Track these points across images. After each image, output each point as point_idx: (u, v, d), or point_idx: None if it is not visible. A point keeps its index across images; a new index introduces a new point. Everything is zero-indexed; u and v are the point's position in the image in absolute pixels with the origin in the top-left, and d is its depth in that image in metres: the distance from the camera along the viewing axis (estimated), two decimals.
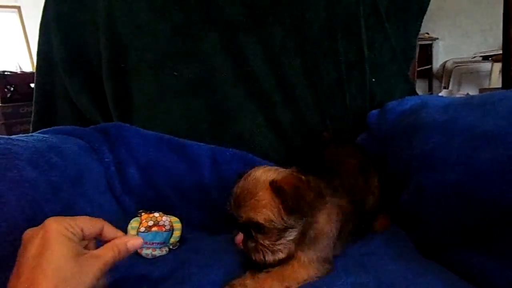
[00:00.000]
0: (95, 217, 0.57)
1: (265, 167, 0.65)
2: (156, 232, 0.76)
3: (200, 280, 0.61)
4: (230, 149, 0.97)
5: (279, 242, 0.60)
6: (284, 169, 0.64)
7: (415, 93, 1.14)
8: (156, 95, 1.05)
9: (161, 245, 0.76)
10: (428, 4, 1.21)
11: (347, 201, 0.69)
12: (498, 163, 0.53)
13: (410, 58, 1.24)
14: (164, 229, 0.77)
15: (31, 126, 1.16)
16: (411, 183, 0.71)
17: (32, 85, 3.26)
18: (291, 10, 1.03)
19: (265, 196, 0.58)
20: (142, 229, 0.75)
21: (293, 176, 0.60)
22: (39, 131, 0.95)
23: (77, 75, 1.09)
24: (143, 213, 0.78)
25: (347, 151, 0.85)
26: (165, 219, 0.78)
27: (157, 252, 0.75)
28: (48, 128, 0.97)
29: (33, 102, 1.17)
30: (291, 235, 0.61)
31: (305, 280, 0.59)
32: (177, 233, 0.79)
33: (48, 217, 0.66)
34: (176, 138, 0.99)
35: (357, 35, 1.07)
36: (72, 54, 1.09)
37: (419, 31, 1.25)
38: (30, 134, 0.93)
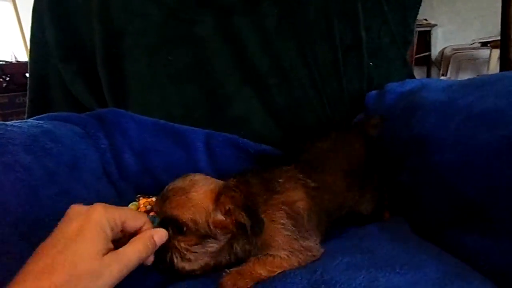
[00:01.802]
0: (138, 213, 0.59)
1: (199, 174, 0.63)
2: (154, 216, 0.75)
3: None
4: (223, 134, 0.96)
5: (194, 249, 0.57)
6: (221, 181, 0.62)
7: (413, 77, 1.14)
8: (151, 80, 1.04)
9: None
10: None
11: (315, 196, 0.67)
12: (495, 142, 0.52)
13: (409, 42, 1.23)
14: None
15: (25, 113, 1.15)
16: (409, 164, 0.71)
17: (28, 74, 3.27)
18: None
19: (198, 197, 0.56)
20: None
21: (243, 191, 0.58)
22: (34, 117, 0.94)
23: (71, 61, 1.08)
24: (141, 198, 0.79)
25: (346, 149, 0.80)
26: None
27: None
28: (43, 115, 0.96)
29: (27, 90, 1.16)
30: (211, 246, 0.57)
31: (288, 268, 0.58)
32: None
33: (43, 201, 0.67)
34: (171, 123, 0.98)
35: (354, 18, 1.06)
36: (66, 40, 1.08)
37: (417, 15, 1.23)
38: (24, 120, 0.92)
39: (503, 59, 1.17)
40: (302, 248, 0.60)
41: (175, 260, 0.56)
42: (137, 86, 1.03)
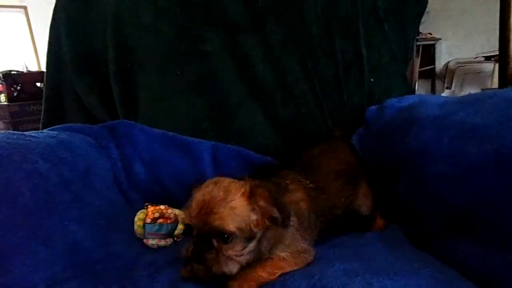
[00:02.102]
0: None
1: (223, 178, 0.64)
2: (162, 224, 0.80)
3: None
4: (229, 146, 1.01)
5: (242, 252, 0.59)
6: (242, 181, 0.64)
7: (413, 93, 1.17)
8: (161, 93, 1.08)
9: (166, 236, 0.80)
10: (425, 7, 1.24)
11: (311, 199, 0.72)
12: (484, 156, 0.56)
13: (408, 59, 1.27)
14: (169, 221, 0.80)
15: (40, 123, 1.20)
16: (405, 175, 0.74)
17: (39, 84, 3.35)
18: (290, 12, 1.06)
19: (239, 204, 0.58)
20: (148, 220, 0.79)
21: (266, 187, 0.61)
22: (48, 128, 0.99)
23: (86, 75, 1.13)
24: (149, 206, 0.82)
25: (334, 153, 0.88)
26: (171, 212, 0.82)
27: (162, 243, 0.79)
28: (57, 126, 1.01)
29: (42, 101, 1.22)
30: (252, 245, 0.60)
31: (288, 270, 0.61)
32: (181, 226, 0.82)
33: (59, 207, 0.71)
34: (179, 135, 1.03)
35: (355, 35, 1.10)
36: (81, 55, 1.14)
37: (418, 33, 1.28)
38: (40, 131, 0.97)
39: (501, 74, 1.20)
40: (301, 249, 0.64)
41: (228, 268, 0.58)
42: (147, 99, 1.08)
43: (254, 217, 0.59)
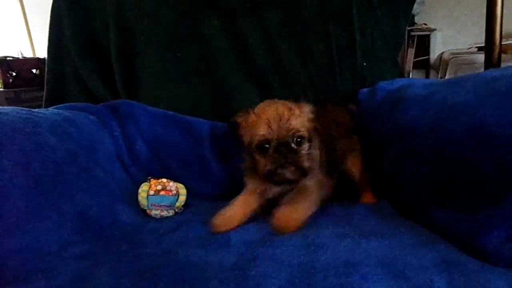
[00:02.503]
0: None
1: (275, 100, 0.76)
2: (164, 195, 0.84)
3: (202, 231, 0.70)
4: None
5: (309, 151, 0.72)
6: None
7: (403, 77, 1.22)
8: (162, 76, 1.12)
9: (168, 208, 0.85)
10: None
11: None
12: (463, 129, 0.61)
13: (400, 45, 1.31)
14: (171, 193, 0.85)
15: (43, 103, 1.24)
16: (392, 151, 0.80)
17: (34, 70, 3.35)
18: None
19: (302, 115, 0.72)
20: (152, 192, 0.84)
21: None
22: (53, 107, 1.02)
23: (88, 57, 1.17)
24: (151, 179, 0.87)
25: (337, 112, 0.99)
26: (172, 185, 0.87)
27: (164, 213, 0.84)
28: (61, 105, 1.04)
29: (44, 83, 1.25)
30: (314, 147, 0.74)
31: (315, 196, 0.74)
32: (182, 198, 0.87)
33: (67, 177, 0.76)
34: (180, 115, 1.07)
35: (349, 21, 1.14)
36: (83, 38, 1.17)
37: (409, 19, 1.32)
38: (45, 108, 1.01)
39: (487, 63, 1.25)
40: (321, 179, 0.77)
41: (306, 164, 0.70)
42: (148, 80, 1.12)
43: (308, 124, 0.73)
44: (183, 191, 0.88)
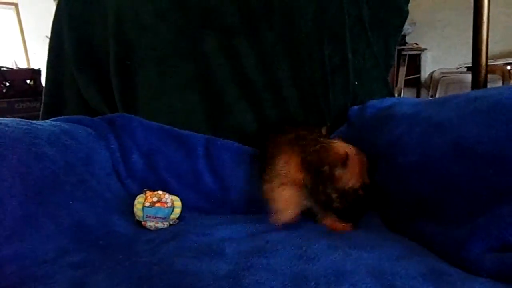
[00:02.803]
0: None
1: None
2: (159, 207, 0.86)
3: (197, 242, 0.71)
4: (221, 140, 1.08)
5: None
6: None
7: (393, 96, 1.27)
8: (159, 90, 1.15)
9: (163, 220, 0.86)
10: (406, 19, 1.34)
11: None
12: (446, 146, 0.65)
13: (390, 65, 1.37)
14: (166, 206, 0.87)
15: (40, 116, 1.25)
16: (380, 166, 0.83)
17: (28, 81, 3.36)
18: (282, 18, 1.15)
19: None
20: (147, 204, 0.85)
21: None
22: (51, 119, 1.04)
23: (87, 70, 1.19)
24: (147, 191, 0.89)
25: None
26: (168, 197, 0.88)
27: (159, 225, 0.85)
28: (58, 117, 1.06)
29: (42, 95, 1.27)
30: None
31: None
32: (177, 210, 0.89)
33: (65, 187, 0.77)
34: (175, 128, 1.09)
35: (342, 42, 1.19)
36: (82, 50, 1.20)
37: (398, 41, 1.37)
38: (43, 120, 1.03)
39: (474, 83, 1.30)
40: None
41: None
42: (145, 94, 1.15)
43: None
44: (178, 203, 0.90)
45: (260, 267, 0.58)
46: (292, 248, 0.65)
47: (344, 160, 0.77)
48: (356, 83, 1.24)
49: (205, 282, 0.54)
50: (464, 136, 0.61)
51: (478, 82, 1.31)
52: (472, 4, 1.20)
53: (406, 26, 4.28)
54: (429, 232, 0.67)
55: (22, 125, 0.81)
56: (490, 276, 0.52)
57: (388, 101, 1.06)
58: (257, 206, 0.98)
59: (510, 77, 3.38)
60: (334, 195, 0.79)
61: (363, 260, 0.60)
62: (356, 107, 1.11)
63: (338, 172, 0.78)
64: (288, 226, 0.78)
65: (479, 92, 0.71)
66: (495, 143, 0.55)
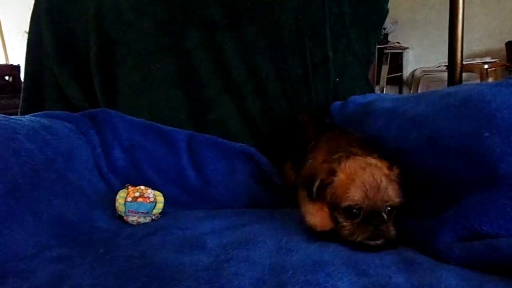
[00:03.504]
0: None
1: (364, 156, 0.69)
2: (141, 202, 0.86)
3: (179, 236, 0.72)
4: (203, 135, 1.08)
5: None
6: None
7: (373, 92, 1.30)
8: (140, 85, 1.15)
9: (145, 215, 0.86)
10: (386, 16, 1.37)
11: None
12: (421, 139, 0.67)
13: (370, 62, 1.40)
14: (148, 201, 0.87)
15: (19, 112, 1.23)
16: None
17: (7, 77, 3.28)
18: (264, 13, 1.16)
19: (395, 179, 0.66)
20: (129, 199, 0.85)
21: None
22: (30, 114, 1.03)
23: (67, 65, 1.18)
24: (129, 186, 0.88)
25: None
26: (150, 192, 0.88)
27: (142, 220, 0.85)
28: (38, 113, 1.05)
29: (21, 90, 1.25)
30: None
31: None
32: (160, 205, 0.89)
33: (45, 183, 0.77)
34: (158, 124, 1.09)
35: (323, 38, 1.21)
36: (62, 45, 1.18)
37: (379, 39, 1.41)
38: (22, 116, 1.01)
39: (450, 80, 1.34)
40: None
41: (393, 234, 0.64)
42: (127, 90, 1.14)
43: (400, 192, 0.66)
44: (160, 198, 0.90)
45: (240, 259, 0.60)
46: (272, 240, 0.67)
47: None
48: (337, 79, 1.27)
49: (185, 274, 0.55)
50: (438, 130, 0.64)
51: (454, 80, 1.35)
52: None
53: (388, 25, 4.37)
54: (404, 223, 0.69)
55: (0, 120, 0.80)
56: (459, 264, 0.54)
57: (369, 97, 1.09)
58: (238, 201, 0.99)
59: (487, 76, 3.50)
60: None
61: (340, 252, 0.62)
62: (338, 102, 1.13)
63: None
64: (269, 219, 0.79)
65: (452, 88, 0.74)
66: (464, 137, 0.58)
